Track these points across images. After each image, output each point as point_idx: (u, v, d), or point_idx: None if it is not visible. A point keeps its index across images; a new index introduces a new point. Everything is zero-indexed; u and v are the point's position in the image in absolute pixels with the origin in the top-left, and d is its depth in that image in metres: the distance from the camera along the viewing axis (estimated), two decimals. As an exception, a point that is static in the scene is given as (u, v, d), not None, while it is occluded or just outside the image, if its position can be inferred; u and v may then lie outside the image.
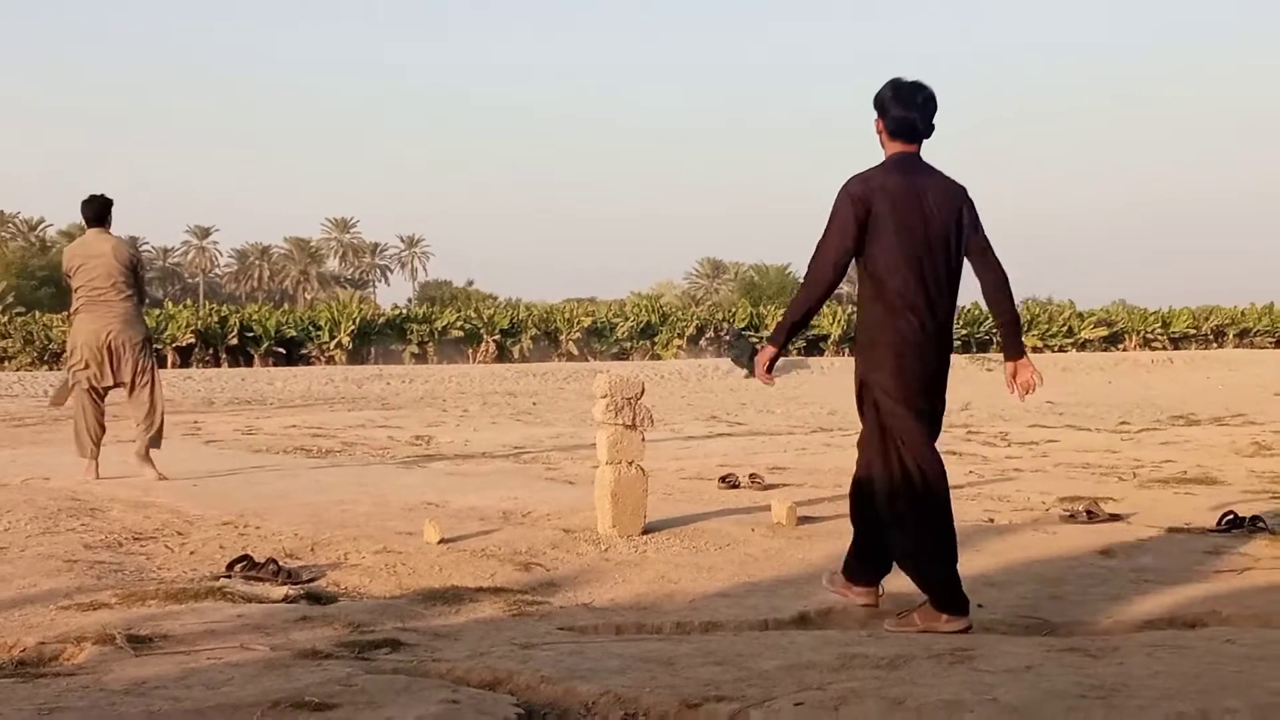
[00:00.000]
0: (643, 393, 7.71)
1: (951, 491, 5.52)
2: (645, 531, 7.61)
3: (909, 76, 5.57)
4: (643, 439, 7.74)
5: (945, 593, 5.34)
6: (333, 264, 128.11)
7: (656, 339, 56.04)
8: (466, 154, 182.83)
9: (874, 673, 4.38)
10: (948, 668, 4.45)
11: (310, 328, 52.06)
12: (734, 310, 59.27)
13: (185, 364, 47.55)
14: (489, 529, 7.90)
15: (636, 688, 4.31)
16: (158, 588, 6.16)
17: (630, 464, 7.63)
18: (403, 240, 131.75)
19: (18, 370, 44.62)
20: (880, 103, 5.55)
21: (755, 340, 44.97)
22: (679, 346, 54.74)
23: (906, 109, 5.49)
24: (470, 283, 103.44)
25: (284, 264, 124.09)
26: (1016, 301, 5.69)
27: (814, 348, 55.17)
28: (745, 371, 38.21)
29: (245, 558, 6.71)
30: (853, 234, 5.38)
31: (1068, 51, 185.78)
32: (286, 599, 5.98)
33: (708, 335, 56.20)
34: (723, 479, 10.00)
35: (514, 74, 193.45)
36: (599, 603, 6.05)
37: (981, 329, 57.80)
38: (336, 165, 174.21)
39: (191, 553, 7.27)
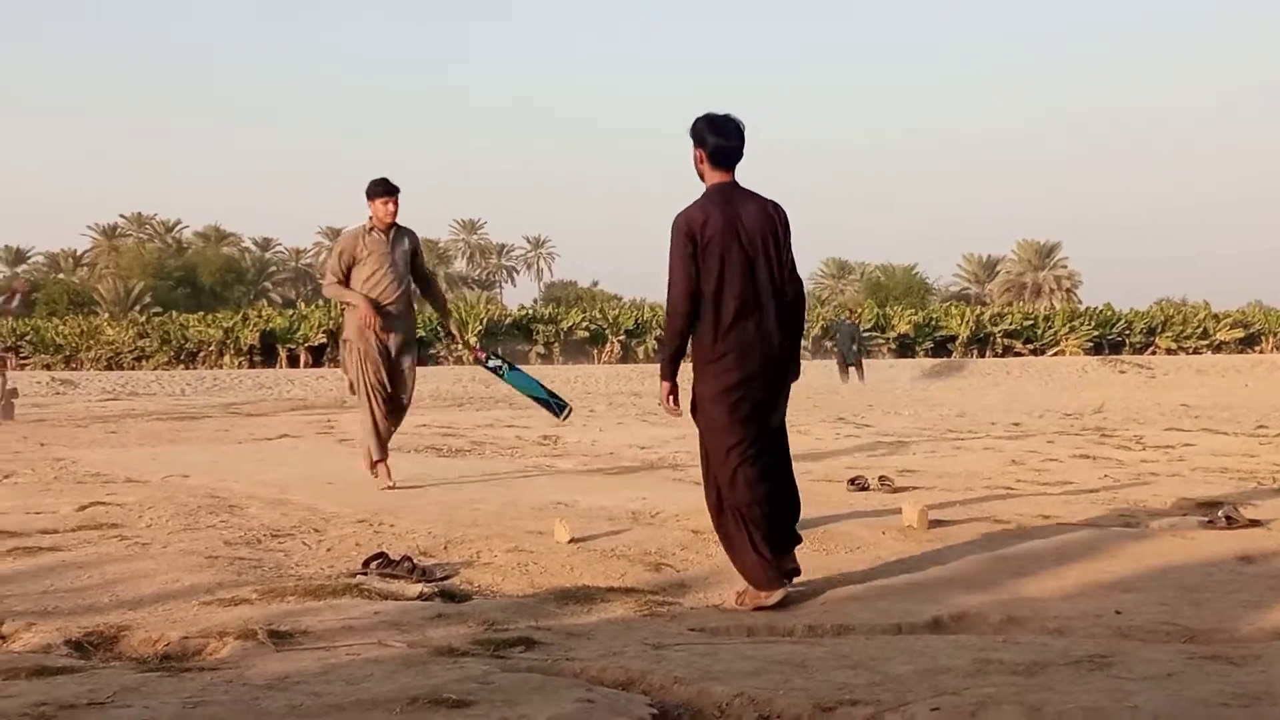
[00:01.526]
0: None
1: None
2: (774, 533, 7.58)
3: (719, 110, 6.19)
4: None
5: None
6: (460, 265, 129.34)
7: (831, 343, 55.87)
8: (593, 155, 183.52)
9: (1011, 679, 4.34)
10: (1086, 674, 4.39)
11: (439, 328, 52.66)
12: (860, 310, 58.86)
13: (317, 364, 48.34)
14: (618, 529, 7.94)
15: (770, 690, 4.31)
16: (296, 584, 6.29)
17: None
18: (529, 241, 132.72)
19: (155, 369, 45.73)
20: (698, 135, 6.17)
21: (864, 333, 44.27)
22: (804, 348, 54.53)
23: (725, 138, 6.14)
24: (595, 283, 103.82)
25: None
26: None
27: (941, 348, 54.59)
28: (842, 373, 37.18)
29: (381, 555, 6.82)
30: (692, 265, 6.02)
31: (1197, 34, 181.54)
32: (421, 596, 6.07)
33: (833, 336, 55.88)
34: (851, 481, 9.94)
35: (639, 79, 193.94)
36: (729, 605, 6.06)
37: (1114, 330, 56.80)
38: (466, 167, 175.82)
39: (328, 550, 7.40)
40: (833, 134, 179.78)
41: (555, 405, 10.43)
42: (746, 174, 6.27)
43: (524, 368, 10.59)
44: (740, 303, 6.09)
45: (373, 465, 10.43)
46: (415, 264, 10.55)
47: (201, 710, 4.03)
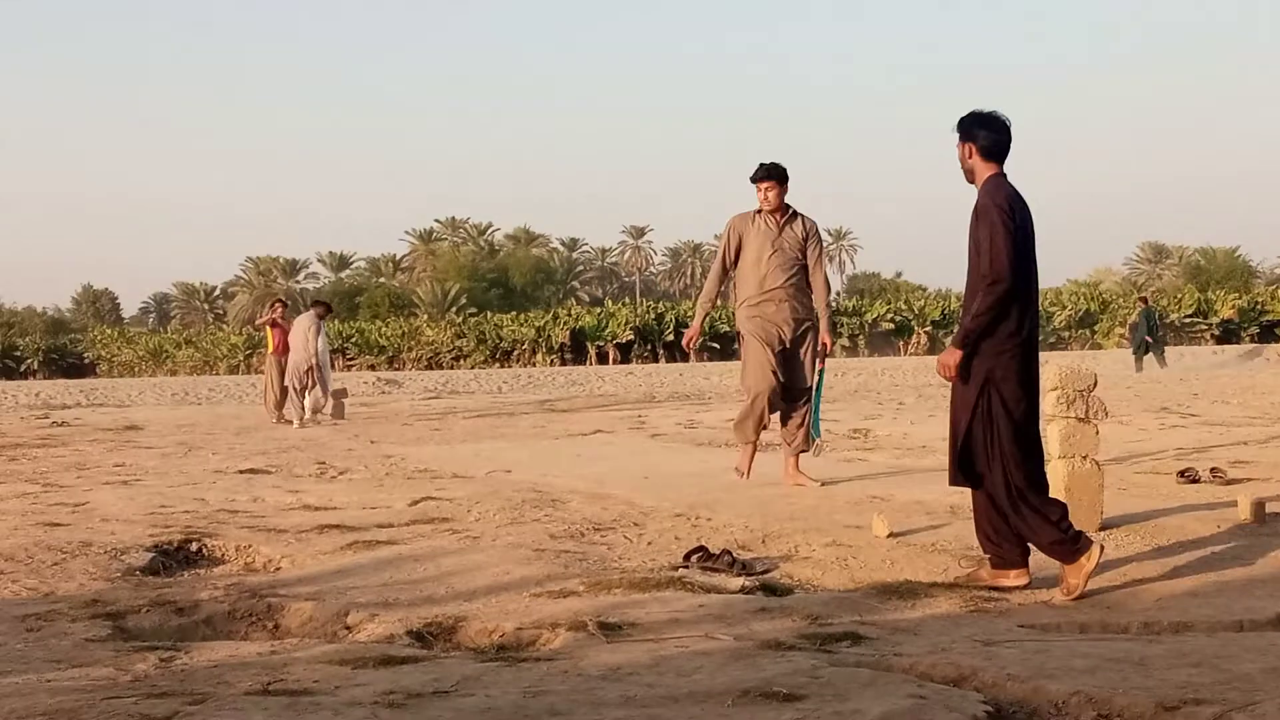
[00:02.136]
0: (1095, 384, 7.46)
1: None
2: (1102, 528, 7.36)
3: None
4: (1096, 432, 7.50)
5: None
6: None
7: (1096, 328, 54.14)
8: (891, 143, 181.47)
9: (1372, 681, 4.10)
10: None
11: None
12: (1180, 296, 56.55)
13: (625, 360, 49.21)
14: (937, 524, 7.83)
15: (1108, 688, 4.18)
16: (621, 577, 6.41)
17: (1084, 458, 7.40)
18: (830, 233, 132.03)
19: (473, 368, 47.34)
20: (967, 130, 6.28)
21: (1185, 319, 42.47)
22: (1121, 335, 52.64)
23: (998, 133, 6.25)
24: (899, 274, 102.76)
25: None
26: None
27: (1269, 334, 51.99)
28: (1137, 362, 35.52)
29: (701, 549, 6.90)
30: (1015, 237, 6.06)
31: None
32: (743, 590, 6.12)
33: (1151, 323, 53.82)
34: (1181, 473, 9.55)
35: (931, 62, 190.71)
36: (1058, 601, 5.90)
37: None
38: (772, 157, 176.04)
39: (649, 543, 7.53)
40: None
41: (813, 430, 10.10)
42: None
43: (828, 361, 10.36)
44: (1037, 292, 6.31)
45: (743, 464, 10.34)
46: (806, 251, 10.13)
47: (540, 700, 4.15)
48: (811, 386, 10.10)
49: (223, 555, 7.61)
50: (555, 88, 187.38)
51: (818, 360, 10.12)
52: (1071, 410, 7.36)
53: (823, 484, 9.82)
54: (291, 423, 20.48)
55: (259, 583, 6.68)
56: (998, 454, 6.03)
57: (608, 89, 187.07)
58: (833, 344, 10.43)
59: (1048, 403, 7.42)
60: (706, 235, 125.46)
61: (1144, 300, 40.87)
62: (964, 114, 6.33)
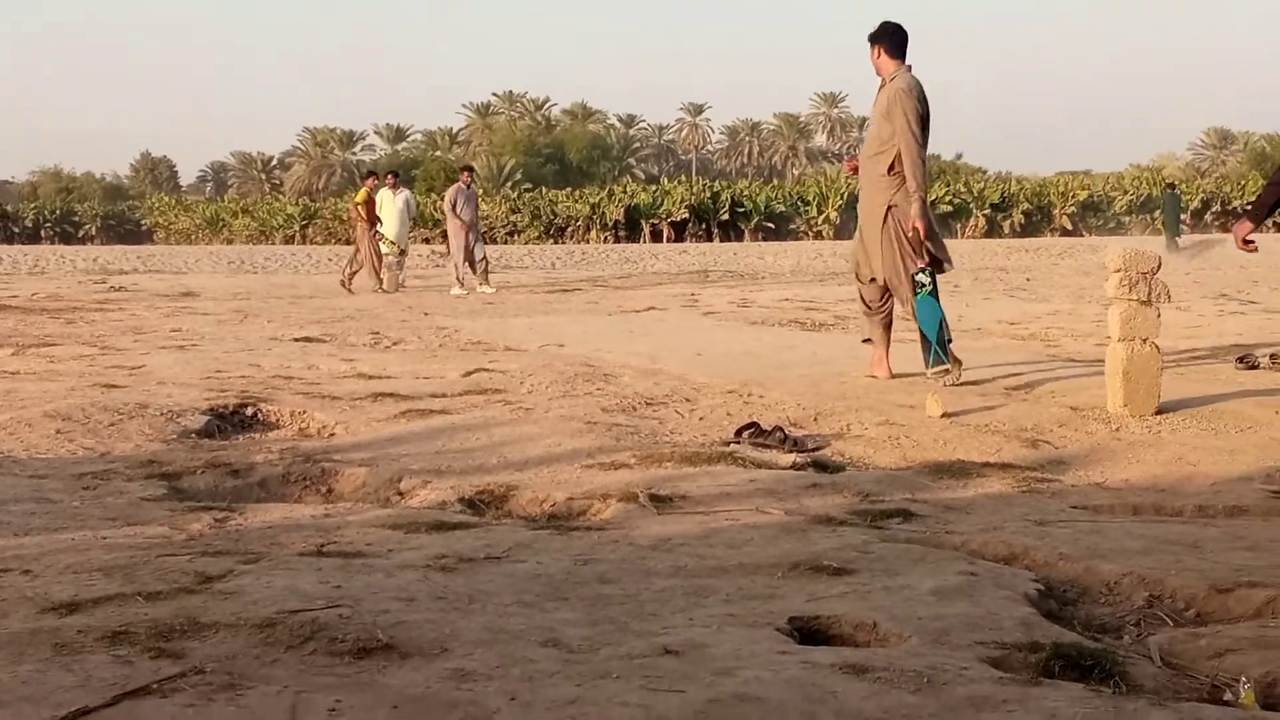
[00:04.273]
0: (1159, 267, 7.34)
1: None
2: (1158, 412, 7.29)
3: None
4: (1158, 315, 7.39)
5: None
6: (820, 139, 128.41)
7: (1157, 214, 53.35)
8: (952, 17, 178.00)
9: None
10: None
11: (799, 203, 52.61)
12: (1244, 183, 55.65)
13: (679, 238, 48.99)
14: (991, 405, 7.76)
15: (1161, 570, 4.15)
16: (672, 450, 6.41)
17: (1145, 341, 7.30)
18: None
19: (526, 244, 47.30)
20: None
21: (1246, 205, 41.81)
22: (1183, 222, 51.93)
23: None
24: (959, 156, 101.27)
25: (773, 139, 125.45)
26: None
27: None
28: (1169, 244, 35.06)
29: (753, 424, 6.89)
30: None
31: None
32: (794, 466, 6.11)
33: (1213, 209, 53.07)
34: (1240, 359, 9.43)
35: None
36: (1112, 482, 5.86)
37: None
38: (824, 39, 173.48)
39: (700, 418, 7.51)
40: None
41: (937, 354, 8.61)
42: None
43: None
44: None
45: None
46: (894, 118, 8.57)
47: (591, 567, 4.16)
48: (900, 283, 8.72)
49: (277, 420, 7.67)
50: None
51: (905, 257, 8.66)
52: (1134, 293, 7.25)
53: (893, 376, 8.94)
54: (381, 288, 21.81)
55: (313, 448, 6.73)
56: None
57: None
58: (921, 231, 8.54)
59: (1110, 284, 7.32)
60: (765, 114, 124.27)
61: (1170, 186, 40.52)
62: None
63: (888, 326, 9.12)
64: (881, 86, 8.64)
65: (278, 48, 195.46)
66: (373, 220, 21.81)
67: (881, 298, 9.00)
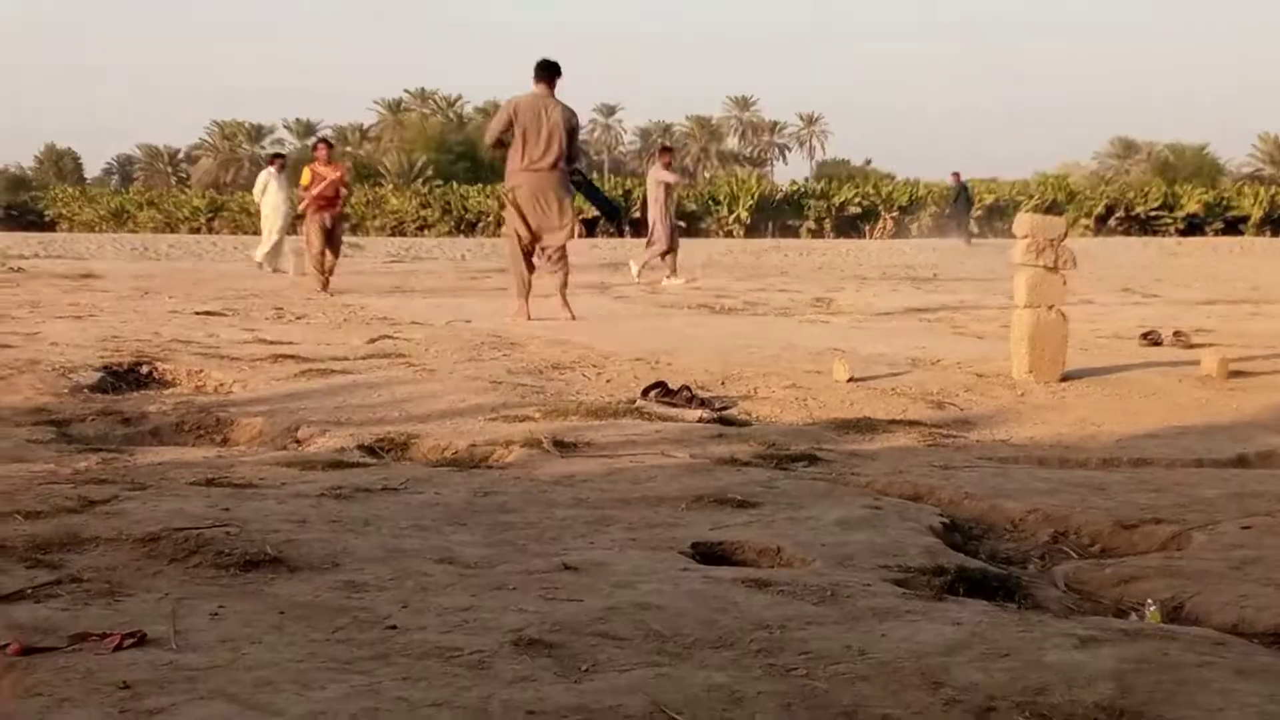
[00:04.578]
0: (1066, 234, 7.37)
1: None
2: (1064, 379, 7.31)
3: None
4: (1064, 282, 7.42)
5: None
6: (732, 142, 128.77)
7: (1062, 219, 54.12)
8: (864, 34, 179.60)
9: (1333, 504, 4.06)
10: None
11: (710, 202, 52.74)
12: (1146, 190, 56.60)
13: (591, 234, 48.88)
14: (898, 372, 7.75)
15: (1066, 508, 4.14)
16: (578, 406, 6.32)
17: (1050, 308, 7.32)
18: (802, 119, 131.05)
19: (437, 237, 47.02)
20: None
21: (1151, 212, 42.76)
22: (1086, 226, 52.68)
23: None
24: (868, 161, 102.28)
25: (685, 141, 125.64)
26: None
27: (1232, 229, 52.14)
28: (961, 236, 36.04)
29: (660, 384, 6.81)
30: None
31: None
32: (701, 421, 6.04)
33: (1117, 215, 53.89)
34: (1144, 335, 9.52)
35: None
36: (1017, 440, 5.86)
37: None
38: (736, 41, 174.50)
39: (608, 381, 7.43)
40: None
41: (612, 208, 13.63)
42: None
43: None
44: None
45: None
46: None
47: (491, 499, 4.07)
48: None
49: (173, 379, 7.48)
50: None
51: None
52: (1040, 259, 7.27)
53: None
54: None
55: (209, 402, 6.57)
56: None
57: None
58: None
59: (1017, 251, 7.34)
60: (678, 115, 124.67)
61: (956, 175, 41.23)
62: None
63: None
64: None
65: (185, 40, 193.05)
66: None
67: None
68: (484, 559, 3.31)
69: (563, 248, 11.98)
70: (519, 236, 11.79)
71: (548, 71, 11.54)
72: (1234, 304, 15.26)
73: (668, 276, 19.77)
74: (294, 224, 21.28)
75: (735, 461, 4.85)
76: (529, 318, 11.39)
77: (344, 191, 17.56)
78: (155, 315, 11.87)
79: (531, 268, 11.92)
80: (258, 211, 22.50)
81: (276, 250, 22.08)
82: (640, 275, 20.08)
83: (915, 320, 12.50)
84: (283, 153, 24.99)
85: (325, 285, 16.49)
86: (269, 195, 21.90)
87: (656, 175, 20.78)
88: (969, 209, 40.19)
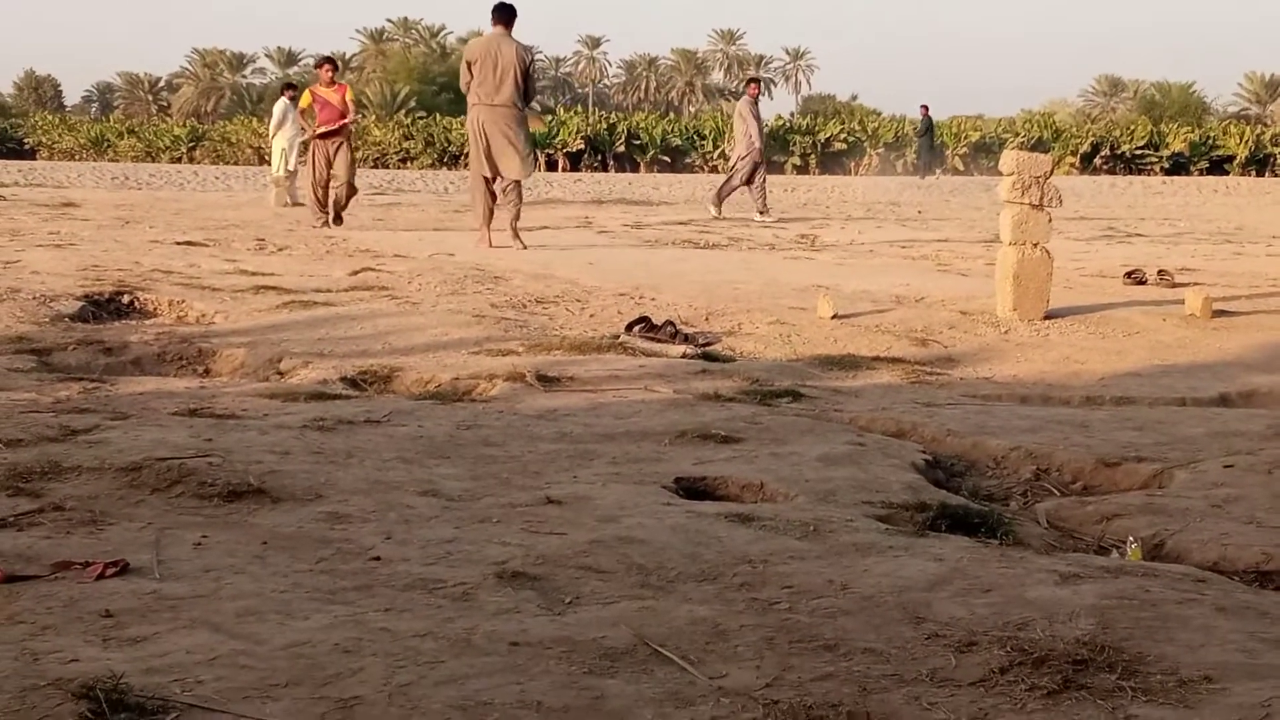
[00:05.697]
0: (1052, 171, 7.35)
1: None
2: (1047, 318, 7.31)
3: None
4: (1049, 220, 7.41)
5: None
6: (717, 76, 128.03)
7: (1048, 156, 53.99)
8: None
9: (1313, 443, 4.08)
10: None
11: (695, 137, 52.51)
12: (1132, 128, 56.45)
13: (575, 168, 48.70)
14: (882, 309, 7.75)
15: (1049, 445, 4.16)
16: (562, 340, 6.31)
17: (1035, 245, 7.31)
18: (788, 53, 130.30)
19: (420, 170, 46.76)
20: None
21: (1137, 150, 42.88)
22: (1072, 165, 52.54)
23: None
24: (854, 97, 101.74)
25: (670, 75, 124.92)
26: None
27: (1217, 168, 52.07)
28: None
29: (644, 319, 6.80)
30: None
31: None
32: (685, 356, 6.04)
33: (1103, 154, 53.74)
34: (1128, 274, 9.51)
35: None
36: (1000, 377, 5.86)
37: None
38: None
39: (591, 315, 7.42)
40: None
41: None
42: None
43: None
44: None
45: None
46: None
47: (474, 432, 4.06)
48: None
49: (155, 309, 7.44)
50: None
51: None
52: (1026, 197, 7.25)
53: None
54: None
55: (191, 332, 6.54)
56: None
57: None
58: None
59: (1003, 188, 7.32)
60: (663, 49, 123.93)
61: (924, 108, 41.14)
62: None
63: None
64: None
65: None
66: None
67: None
68: (467, 492, 3.31)
69: (517, 183, 12.36)
70: (481, 167, 12.26)
71: (504, 13, 12.02)
72: (1218, 243, 15.28)
73: (760, 212, 19.31)
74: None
75: (719, 397, 4.85)
76: (490, 245, 11.90)
77: (350, 116, 16.75)
78: (136, 245, 11.80)
79: (493, 195, 12.40)
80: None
81: (291, 183, 21.82)
82: (718, 209, 19.69)
83: (900, 257, 12.49)
84: (294, 83, 24.23)
85: (327, 220, 15.70)
86: (285, 128, 21.62)
87: (741, 109, 20.41)
88: (931, 144, 40.49)
